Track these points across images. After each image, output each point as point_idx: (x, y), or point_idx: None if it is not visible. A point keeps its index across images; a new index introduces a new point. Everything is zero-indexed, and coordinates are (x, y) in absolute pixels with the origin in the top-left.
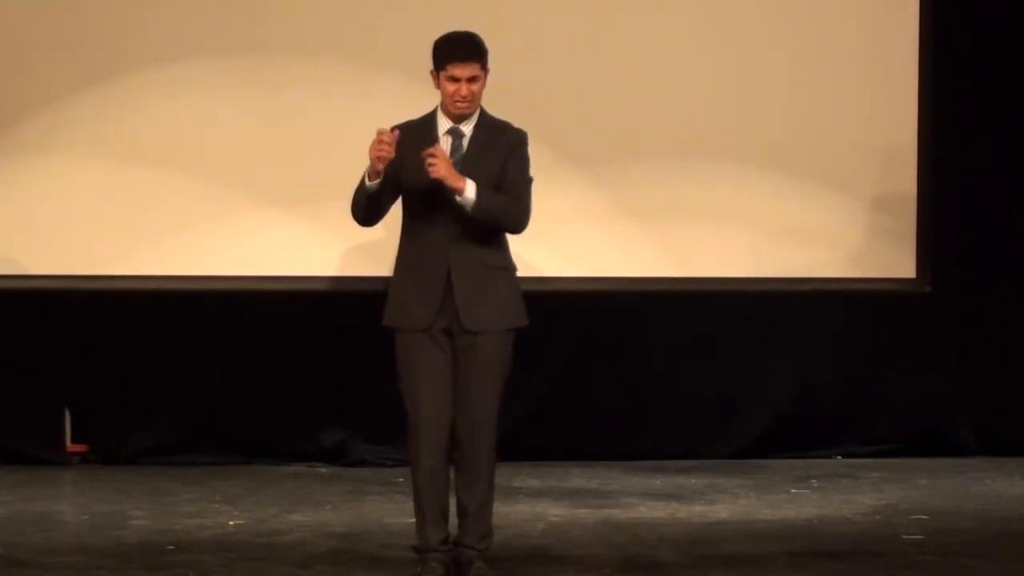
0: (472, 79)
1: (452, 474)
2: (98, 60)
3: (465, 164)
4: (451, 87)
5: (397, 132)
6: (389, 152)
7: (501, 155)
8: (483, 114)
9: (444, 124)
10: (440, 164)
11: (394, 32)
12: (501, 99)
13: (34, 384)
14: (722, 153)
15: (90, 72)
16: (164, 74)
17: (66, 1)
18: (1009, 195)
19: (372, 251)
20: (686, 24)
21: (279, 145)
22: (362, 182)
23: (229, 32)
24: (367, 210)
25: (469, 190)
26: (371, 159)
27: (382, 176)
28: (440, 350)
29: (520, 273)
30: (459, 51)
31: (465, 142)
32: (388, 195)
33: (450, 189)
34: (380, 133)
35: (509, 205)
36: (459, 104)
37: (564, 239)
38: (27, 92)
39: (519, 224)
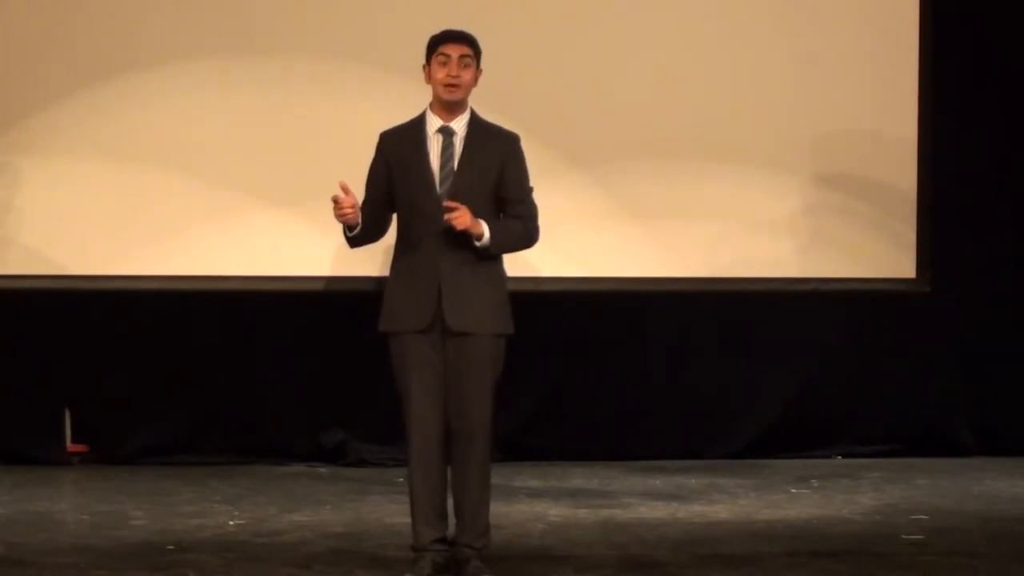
0: (464, 60)
1: (449, 474)
2: (98, 60)
3: (460, 164)
4: (442, 70)
5: (344, 183)
6: (351, 212)
7: (497, 159)
8: (474, 115)
9: (434, 123)
10: (463, 215)
11: (394, 32)
12: (503, 99)
13: (34, 384)
14: (721, 153)
15: (90, 72)
16: (164, 74)
17: (65, 1)
18: (1009, 195)
19: (372, 251)
20: (686, 24)
21: (279, 145)
22: (344, 233)
23: (228, 32)
24: (365, 242)
25: (486, 234)
26: (339, 221)
27: (361, 223)
28: (434, 351)
29: (520, 273)
30: (451, 35)
31: (456, 140)
32: (382, 214)
33: (473, 236)
34: (337, 200)
35: (522, 235)
36: (451, 85)
37: (564, 239)
38: (27, 92)
39: (532, 245)
